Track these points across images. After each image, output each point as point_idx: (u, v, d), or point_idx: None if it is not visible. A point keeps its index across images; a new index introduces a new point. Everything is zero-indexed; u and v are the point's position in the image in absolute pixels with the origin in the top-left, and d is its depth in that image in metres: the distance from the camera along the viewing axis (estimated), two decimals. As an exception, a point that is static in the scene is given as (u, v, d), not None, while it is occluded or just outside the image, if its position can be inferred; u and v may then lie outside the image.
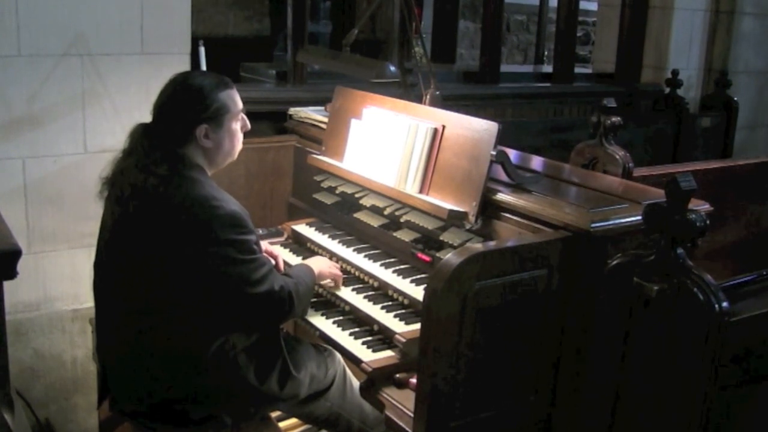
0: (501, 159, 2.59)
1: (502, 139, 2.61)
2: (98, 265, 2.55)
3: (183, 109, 2.44)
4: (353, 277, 2.98)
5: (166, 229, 2.34)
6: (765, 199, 4.08)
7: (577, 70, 5.86)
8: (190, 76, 2.55)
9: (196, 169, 2.44)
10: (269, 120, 3.78)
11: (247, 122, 2.61)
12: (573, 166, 3.34)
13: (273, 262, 2.73)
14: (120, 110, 3.32)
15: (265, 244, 2.93)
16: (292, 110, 3.75)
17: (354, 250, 3.06)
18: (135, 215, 2.38)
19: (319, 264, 2.83)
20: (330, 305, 2.88)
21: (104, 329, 2.57)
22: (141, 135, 2.45)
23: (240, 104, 2.55)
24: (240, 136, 2.58)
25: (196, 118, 2.43)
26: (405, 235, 2.89)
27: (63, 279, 3.40)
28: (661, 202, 2.08)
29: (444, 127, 2.79)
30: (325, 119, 3.45)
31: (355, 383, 2.77)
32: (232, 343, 2.41)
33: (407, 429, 2.27)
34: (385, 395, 2.41)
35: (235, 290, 2.35)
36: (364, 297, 2.81)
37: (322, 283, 2.87)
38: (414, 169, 2.84)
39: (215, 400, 2.43)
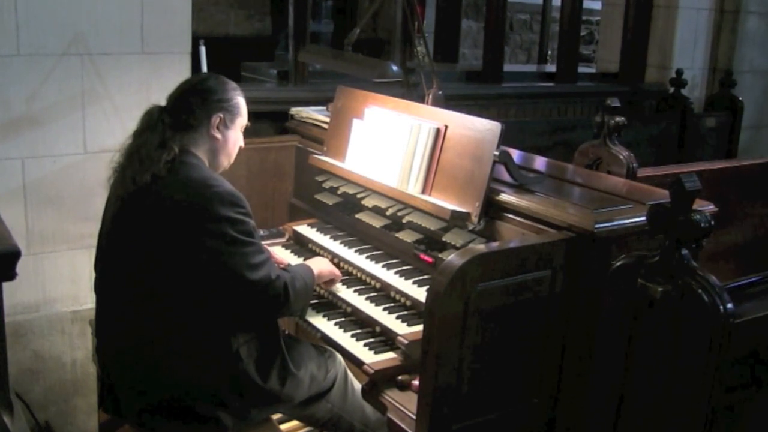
0: (504, 159, 2.58)
1: (505, 139, 2.60)
2: (99, 259, 2.57)
3: (207, 94, 2.55)
4: (355, 278, 2.96)
5: (166, 211, 2.36)
6: (770, 200, 4.06)
7: (581, 69, 5.85)
8: (214, 74, 2.67)
9: (196, 158, 2.50)
10: (270, 120, 3.78)
11: (243, 142, 2.70)
12: (576, 166, 3.33)
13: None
14: (120, 110, 3.30)
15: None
16: (294, 110, 3.74)
17: (356, 251, 3.05)
18: (138, 198, 2.40)
19: (319, 264, 2.82)
20: (331, 306, 2.86)
21: (104, 328, 2.57)
22: (161, 112, 2.52)
23: (247, 119, 2.67)
24: (238, 148, 2.66)
25: (216, 105, 2.54)
26: (407, 236, 2.87)
27: (62, 280, 3.39)
28: (665, 202, 2.07)
29: (446, 127, 2.77)
30: (327, 119, 3.44)
31: (357, 385, 2.76)
32: (232, 338, 2.41)
33: (409, 431, 2.25)
34: (387, 397, 2.40)
35: (232, 274, 2.34)
36: (366, 298, 2.79)
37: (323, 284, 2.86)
38: (416, 170, 2.82)
39: (216, 396, 2.41)
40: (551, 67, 6.28)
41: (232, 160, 2.66)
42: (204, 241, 2.33)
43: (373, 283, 2.88)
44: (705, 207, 2.41)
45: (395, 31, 4.79)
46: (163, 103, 2.57)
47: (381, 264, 2.92)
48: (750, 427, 2.25)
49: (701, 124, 5.50)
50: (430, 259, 2.76)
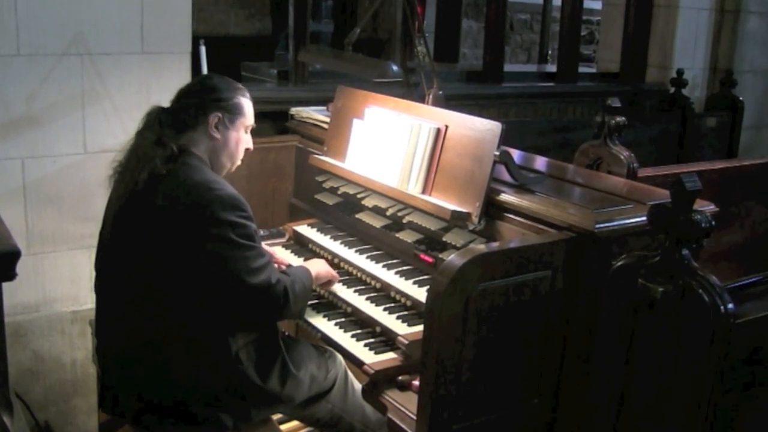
0: (504, 159, 2.58)
1: (505, 139, 2.59)
2: (99, 259, 2.56)
3: (204, 93, 2.55)
4: (355, 278, 2.96)
5: (167, 213, 2.36)
6: (771, 200, 4.05)
7: (582, 69, 5.85)
8: (219, 75, 2.68)
9: (197, 159, 2.49)
10: (271, 120, 3.77)
11: (252, 143, 2.68)
12: (577, 166, 3.32)
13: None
14: (120, 110, 3.30)
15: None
16: (294, 110, 3.73)
17: (356, 251, 3.04)
18: (139, 199, 2.39)
19: (316, 266, 2.82)
20: (332, 307, 2.86)
21: (104, 328, 2.57)
22: (159, 111, 2.53)
23: (253, 120, 2.65)
24: (243, 147, 2.65)
25: (213, 105, 2.52)
26: (407, 236, 2.87)
27: (62, 280, 3.38)
28: (666, 202, 2.06)
29: (447, 127, 2.77)
30: (327, 119, 3.43)
31: (357, 385, 2.75)
32: (231, 339, 2.41)
33: (409, 431, 2.25)
34: (387, 397, 2.39)
35: (233, 278, 2.34)
36: (366, 298, 2.79)
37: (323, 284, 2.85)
38: (417, 170, 2.82)
39: (216, 398, 2.41)
40: (552, 67, 6.27)
41: (237, 161, 2.64)
42: (205, 244, 2.33)
43: (373, 283, 2.88)
44: (705, 207, 2.41)
45: (395, 31, 4.80)
46: (163, 103, 2.57)
47: (381, 264, 2.91)
48: (750, 428, 2.24)
49: (702, 124, 5.50)
50: (430, 260, 2.76)
